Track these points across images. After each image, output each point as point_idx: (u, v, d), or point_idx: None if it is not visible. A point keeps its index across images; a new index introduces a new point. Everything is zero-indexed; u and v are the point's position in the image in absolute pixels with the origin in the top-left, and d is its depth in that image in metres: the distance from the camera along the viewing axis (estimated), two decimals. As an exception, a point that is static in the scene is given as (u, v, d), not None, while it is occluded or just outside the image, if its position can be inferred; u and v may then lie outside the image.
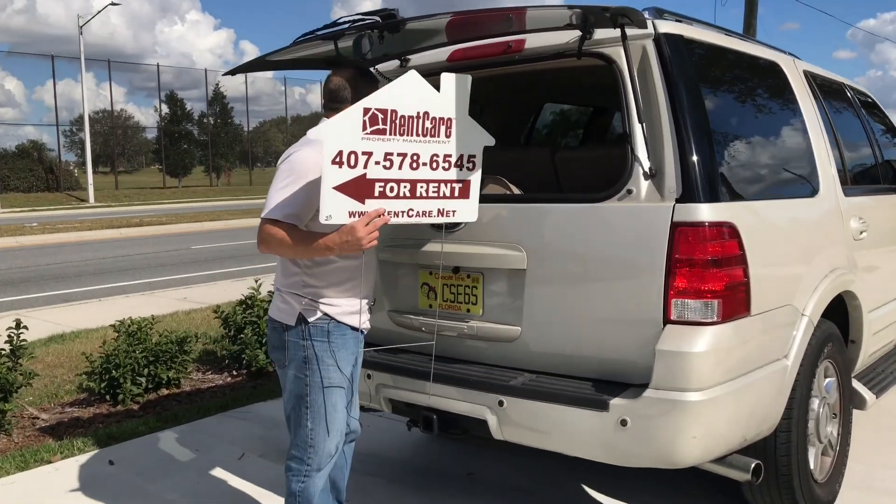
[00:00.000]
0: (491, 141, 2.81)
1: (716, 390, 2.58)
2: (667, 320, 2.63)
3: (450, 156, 2.68)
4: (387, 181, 2.53)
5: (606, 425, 2.63)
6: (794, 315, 3.01)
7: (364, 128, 2.44)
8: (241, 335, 5.86)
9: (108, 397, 5.15)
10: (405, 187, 2.58)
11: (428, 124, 2.59)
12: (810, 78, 3.84)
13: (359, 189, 2.45)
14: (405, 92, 2.53)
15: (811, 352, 3.08)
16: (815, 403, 3.22)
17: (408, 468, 4.01)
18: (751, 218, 2.80)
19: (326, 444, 2.74)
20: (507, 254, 2.96)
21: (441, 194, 2.69)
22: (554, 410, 2.73)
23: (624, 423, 2.60)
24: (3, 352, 4.70)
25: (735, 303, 2.66)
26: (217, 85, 46.52)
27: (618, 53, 2.82)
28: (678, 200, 2.65)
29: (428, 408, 3.04)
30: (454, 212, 2.76)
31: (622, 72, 2.80)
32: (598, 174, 3.02)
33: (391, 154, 2.52)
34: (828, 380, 3.38)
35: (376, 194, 2.50)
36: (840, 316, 3.52)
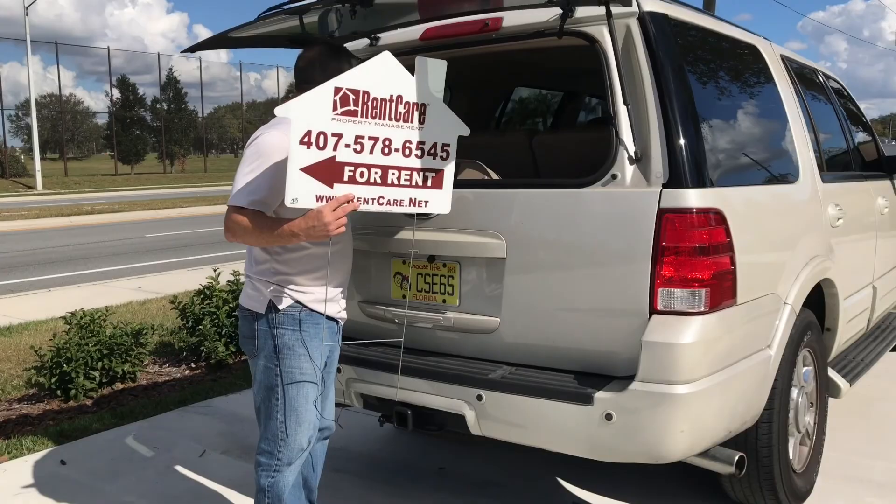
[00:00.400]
0: (466, 130, 2.68)
1: (704, 382, 2.50)
2: (653, 310, 2.54)
3: (423, 143, 2.57)
4: (357, 166, 2.42)
5: (590, 420, 2.53)
6: (777, 303, 2.95)
7: (335, 108, 2.32)
8: (200, 326, 5.66)
9: (59, 393, 4.92)
10: (376, 173, 2.47)
11: (401, 108, 2.48)
12: (786, 62, 3.79)
13: (327, 172, 2.34)
14: (379, 73, 2.41)
15: (792, 341, 3.03)
16: (794, 393, 3.17)
17: (377, 463, 3.88)
18: (737, 204, 2.72)
19: (297, 438, 2.61)
20: (486, 242, 2.84)
21: (413, 183, 2.58)
22: (535, 405, 2.63)
23: (609, 417, 2.50)
24: (-55, 346, 4.44)
25: (722, 292, 2.58)
26: (170, 70, 45.57)
27: (601, 32, 2.71)
28: (665, 186, 2.55)
29: (402, 403, 2.91)
30: (426, 202, 2.64)
31: (606, 52, 2.68)
32: (579, 159, 2.91)
33: (362, 137, 2.41)
34: (806, 369, 3.34)
35: (346, 179, 2.39)
36: (816, 304, 3.49)
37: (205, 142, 47.80)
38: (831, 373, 3.65)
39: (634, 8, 2.68)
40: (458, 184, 2.83)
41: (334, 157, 2.35)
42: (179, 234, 15.64)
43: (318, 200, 2.34)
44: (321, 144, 2.31)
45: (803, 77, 4.04)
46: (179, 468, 3.82)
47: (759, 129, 3.33)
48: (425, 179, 2.61)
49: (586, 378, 2.66)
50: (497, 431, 2.77)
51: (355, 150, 2.40)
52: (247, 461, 3.74)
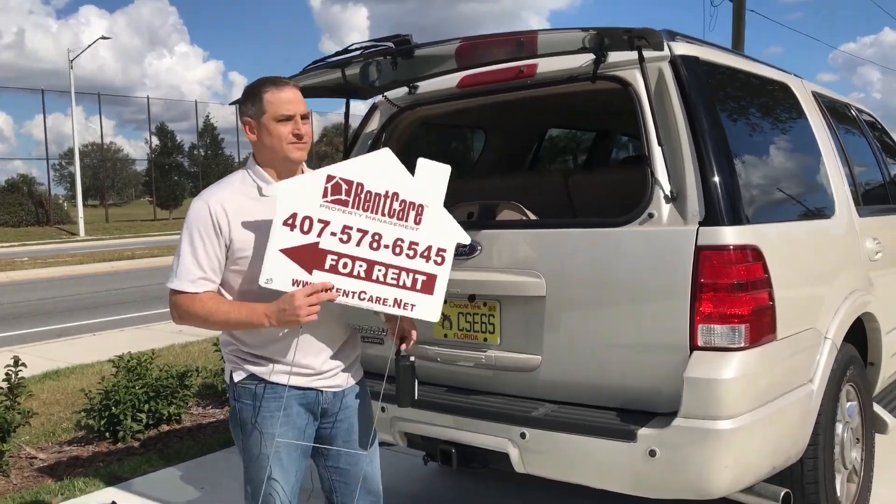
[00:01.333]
0: (465, 239, 2.52)
1: (746, 417, 2.52)
2: (693, 346, 2.57)
3: (416, 244, 2.43)
4: (341, 255, 2.34)
5: (634, 456, 2.55)
6: (817, 338, 2.96)
7: (325, 195, 2.31)
8: (243, 368, 5.75)
9: (107, 434, 5.03)
10: (360, 266, 2.36)
11: (396, 206, 2.40)
12: (818, 98, 3.83)
13: (308, 257, 2.29)
14: (376, 168, 2.38)
15: (835, 376, 3.02)
16: (839, 428, 3.15)
17: (421, 502, 3.90)
18: (773, 240, 2.76)
19: None
20: (525, 280, 2.90)
21: (401, 283, 2.42)
22: (579, 442, 2.66)
23: (652, 453, 2.52)
24: (1, 390, 4.59)
25: (762, 327, 2.61)
26: (207, 116, 46.66)
27: (633, 76, 2.79)
28: (701, 224, 2.60)
29: (447, 441, 2.96)
30: (413, 306, 2.43)
31: (639, 95, 2.76)
32: (615, 198, 2.97)
33: (350, 228, 2.35)
34: (850, 404, 3.32)
35: (326, 267, 2.32)
36: (858, 338, 3.48)
37: (240, 186, 48.57)
38: (877, 408, 3.61)
39: (666, 52, 2.77)
40: (497, 224, 2.90)
41: (317, 243, 2.31)
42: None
43: (293, 284, 2.28)
44: (305, 229, 2.29)
45: (836, 112, 4.07)
46: (227, 508, 3.88)
47: (793, 165, 3.37)
48: (415, 282, 2.44)
49: (629, 415, 2.69)
50: (541, 469, 2.80)
51: (341, 240, 2.34)
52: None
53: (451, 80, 3.32)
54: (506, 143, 4.44)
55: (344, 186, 2.33)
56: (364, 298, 2.37)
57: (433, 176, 2.45)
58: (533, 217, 3.28)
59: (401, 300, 2.42)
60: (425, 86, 3.40)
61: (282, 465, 2.43)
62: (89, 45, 33.46)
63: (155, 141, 44.03)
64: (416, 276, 2.44)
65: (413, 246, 2.43)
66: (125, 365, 5.28)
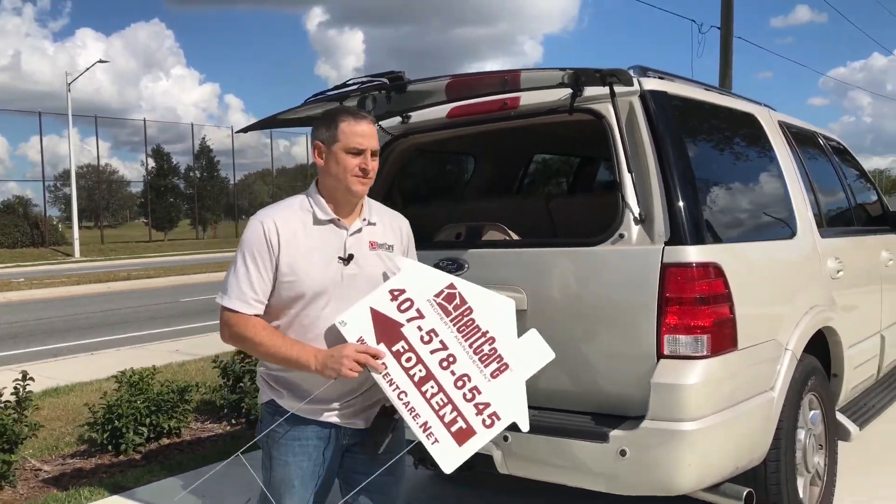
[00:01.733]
0: (525, 426, 2.35)
1: (708, 420, 2.75)
2: (660, 355, 2.81)
3: (479, 392, 2.32)
4: (411, 349, 2.32)
5: (607, 456, 2.78)
6: (777, 349, 3.20)
7: (437, 295, 2.39)
8: (241, 384, 5.95)
9: (110, 447, 5.21)
10: (420, 371, 2.31)
11: (486, 348, 2.36)
12: (784, 127, 4.10)
13: (385, 330, 2.32)
14: (493, 307, 2.42)
15: (795, 384, 3.25)
16: (801, 434, 3.38)
17: (411, 509, 4.10)
18: (735, 259, 3.01)
19: None
20: (508, 295, 3.12)
21: (440, 413, 2.28)
22: (557, 443, 2.89)
23: (623, 453, 2.76)
24: (10, 403, 4.78)
25: (723, 338, 2.85)
26: (203, 138, 47.01)
27: (607, 109, 3.06)
28: (667, 243, 2.86)
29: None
30: (436, 441, 2.27)
31: (611, 126, 3.03)
32: (591, 220, 3.23)
33: (436, 334, 2.34)
34: (813, 412, 3.55)
35: (393, 349, 2.31)
36: (822, 351, 3.72)
37: (236, 208, 48.93)
38: (840, 417, 3.84)
39: (636, 87, 3.03)
40: (482, 244, 3.14)
41: (402, 325, 2.33)
42: (213, 298, 15.96)
43: (357, 340, 2.30)
44: (402, 307, 2.34)
45: (802, 140, 4.34)
46: (227, 514, 4.07)
47: (757, 190, 3.63)
48: (453, 422, 2.28)
49: (602, 418, 2.93)
50: (522, 469, 3.03)
51: (422, 339, 2.33)
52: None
53: (441, 111, 3.59)
54: (493, 169, 4.71)
55: (456, 300, 2.39)
56: (401, 399, 2.29)
57: (535, 351, 2.43)
58: (516, 237, 3.53)
59: (429, 427, 2.28)
60: (417, 116, 3.66)
61: (294, 492, 2.45)
62: (87, 69, 33.85)
63: (151, 163, 44.32)
64: (459, 418, 2.30)
65: (474, 391, 2.32)
66: (128, 380, 5.47)
